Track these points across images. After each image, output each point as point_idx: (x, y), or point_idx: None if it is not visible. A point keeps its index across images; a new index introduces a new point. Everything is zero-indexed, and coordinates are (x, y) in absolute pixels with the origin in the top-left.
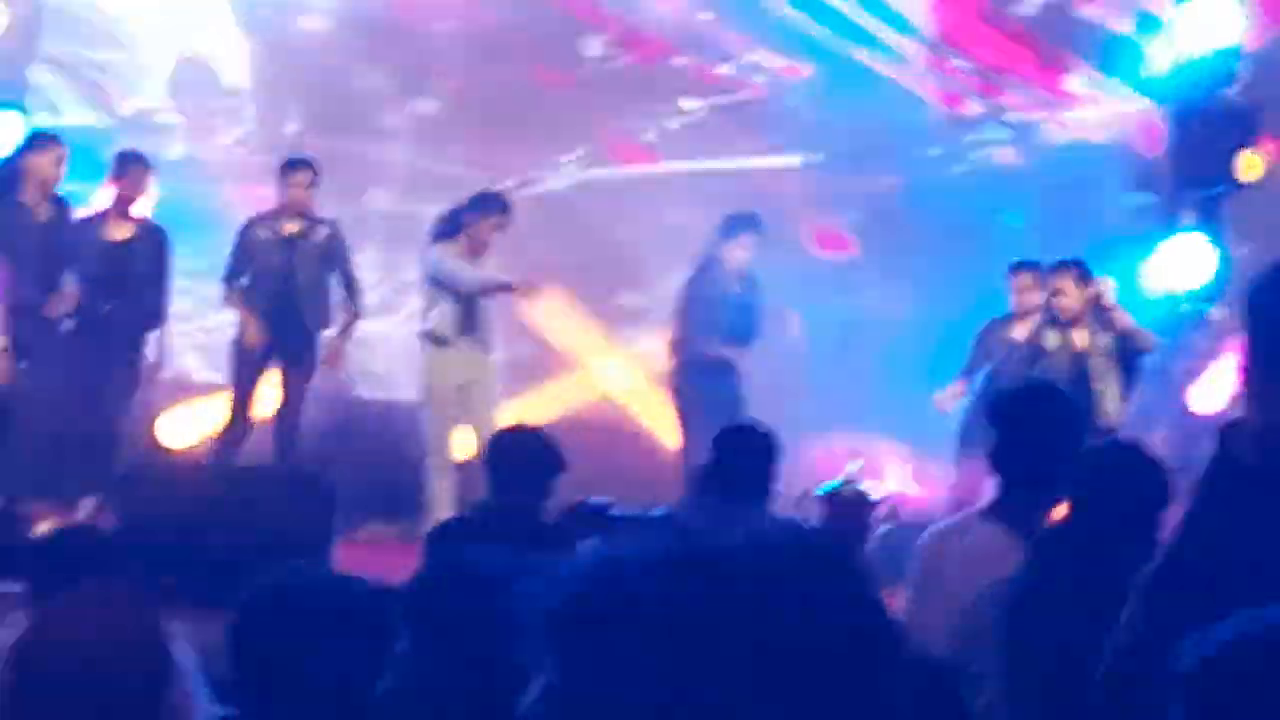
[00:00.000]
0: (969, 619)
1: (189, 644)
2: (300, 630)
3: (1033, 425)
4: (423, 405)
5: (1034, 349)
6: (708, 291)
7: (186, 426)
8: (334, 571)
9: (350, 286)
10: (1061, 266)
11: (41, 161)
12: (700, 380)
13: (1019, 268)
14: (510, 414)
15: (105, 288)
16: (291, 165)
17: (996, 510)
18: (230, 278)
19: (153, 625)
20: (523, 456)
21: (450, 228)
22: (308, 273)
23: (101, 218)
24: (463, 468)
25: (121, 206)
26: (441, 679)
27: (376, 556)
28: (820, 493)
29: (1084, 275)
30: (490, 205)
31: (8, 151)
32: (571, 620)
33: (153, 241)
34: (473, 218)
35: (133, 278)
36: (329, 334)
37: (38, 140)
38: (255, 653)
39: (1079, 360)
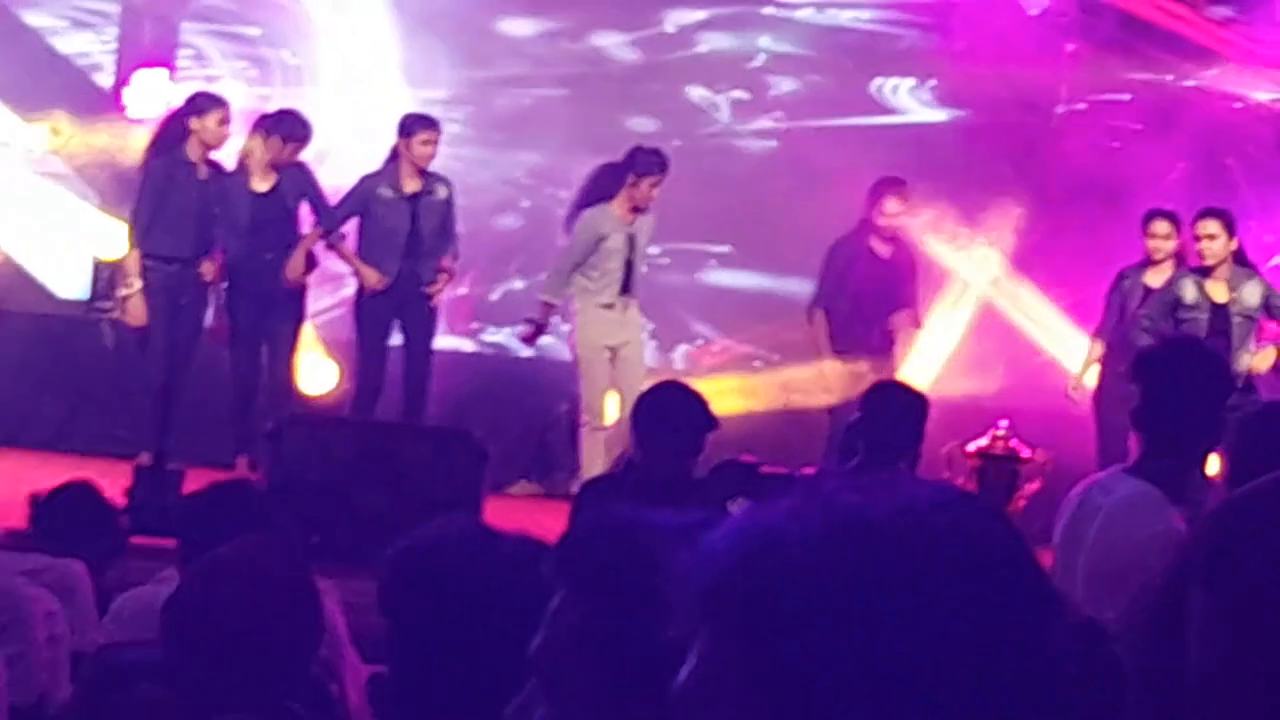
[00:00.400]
0: (1111, 576)
1: (337, 600)
2: (451, 585)
3: (1177, 382)
4: (577, 364)
5: (1172, 299)
6: (839, 262)
7: (324, 375)
8: (484, 526)
9: (454, 244)
10: (1211, 212)
11: (206, 122)
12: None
13: (1156, 215)
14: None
15: (260, 239)
16: (418, 123)
17: (1141, 468)
18: (335, 226)
19: (303, 581)
20: (673, 413)
21: (609, 186)
22: (429, 230)
23: (243, 170)
24: (612, 428)
25: (269, 161)
26: (596, 637)
27: (525, 514)
28: (969, 449)
29: (1231, 223)
30: (650, 164)
31: (156, 110)
32: (723, 598)
33: (297, 185)
34: (632, 177)
35: (283, 227)
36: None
37: (201, 100)
38: (405, 608)
39: (1219, 315)
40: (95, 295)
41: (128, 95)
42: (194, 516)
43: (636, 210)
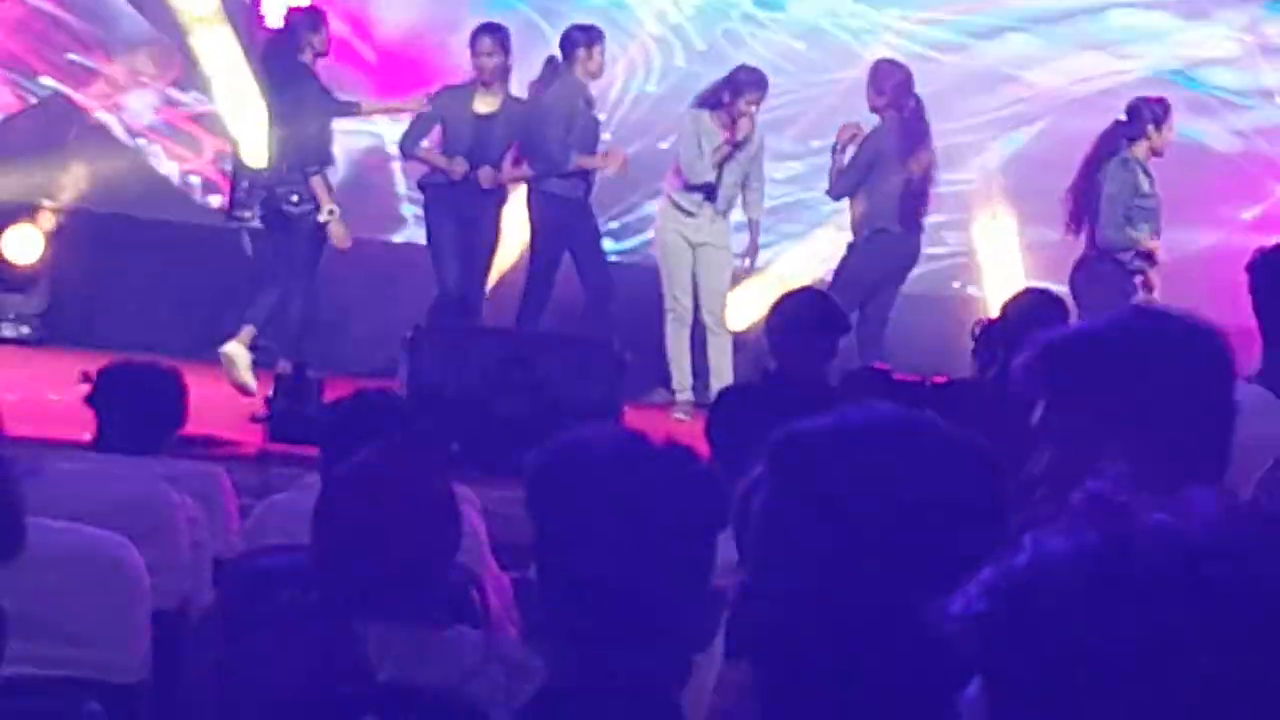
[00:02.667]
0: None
1: (477, 508)
2: (601, 489)
3: None
4: (660, 260)
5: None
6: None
7: None
8: (634, 432)
9: None
10: None
11: (321, 37)
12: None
13: None
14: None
15: (471, 161)
16: (596, 35)
17: (1263, 376)
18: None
19: (442, 488)
20: (807, 319)
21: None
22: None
23: (469, 89)
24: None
25: (487, 79)
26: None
27: (664, 422)
28: None
29: None
30: (743, 83)
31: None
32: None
33: (517, 115)
34: (727, 95)
35: (496, 152)
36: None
37: (311, 15)
38: (553, 511)
39: None
40: (234, 204)
41: (266, 4)
42: (336, 424)
43: (734, 124)
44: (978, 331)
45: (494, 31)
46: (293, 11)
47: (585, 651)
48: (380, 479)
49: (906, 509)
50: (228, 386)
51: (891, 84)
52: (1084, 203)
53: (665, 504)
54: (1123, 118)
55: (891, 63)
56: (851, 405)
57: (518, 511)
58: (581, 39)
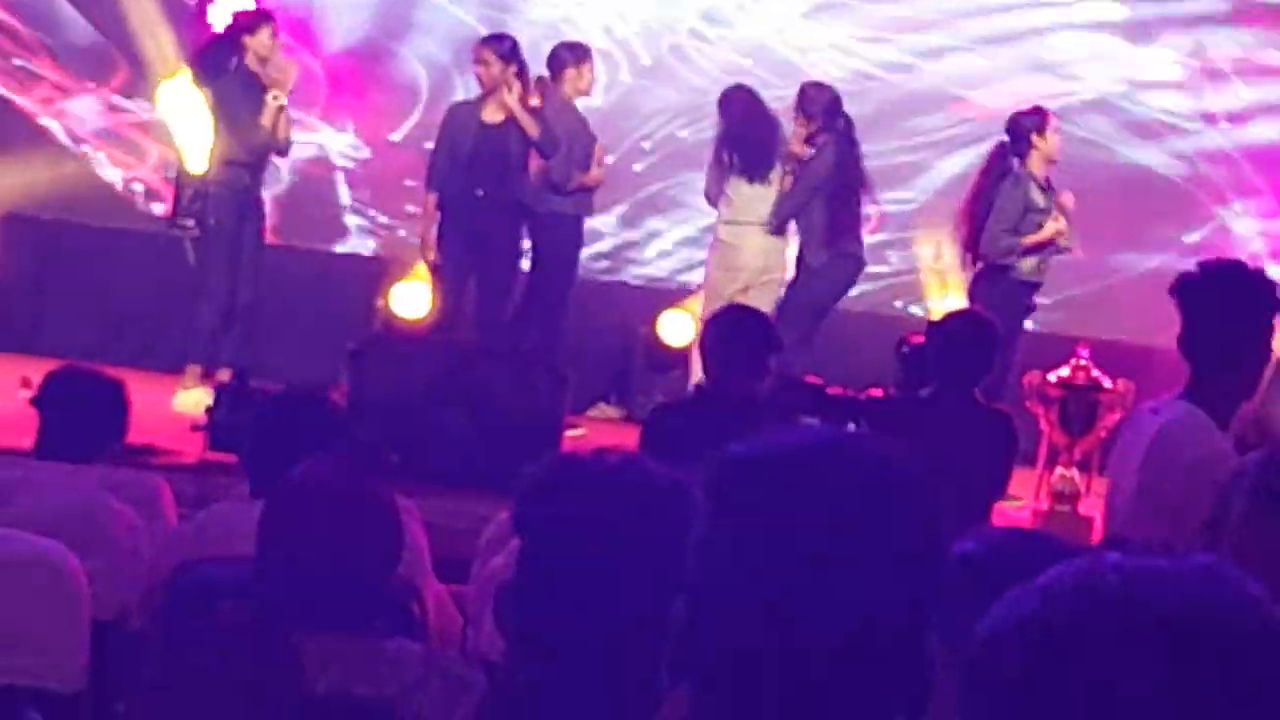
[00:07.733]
0: (1155, 496)
1: (418, 520)
2: (590, 511)
3: (1221, 307)
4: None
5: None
6: None
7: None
8: (629, 455)
9: None
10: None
11: (259, 39)
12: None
13: None
14: None
15: (476, 174)
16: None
17: (1191, 393)
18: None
19: (384, 500)
20: (738, 337)
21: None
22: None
23: (478, 102)
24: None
25: (487, 89)
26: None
27: (604, 437)
28: (1051, 379)
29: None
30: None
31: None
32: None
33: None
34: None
35: (502, 164)
36: None
37: (250, 18)
38: (539, 530)
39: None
40: (177, 211)
41: (212, 11)
42: (270, 432)
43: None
44: (905, 350)
45: (488, 42)
46: (236, 16)
47: (561, 660)
48: (324, 490)
49: (842, 528)
50: (168, 395)
51: (819, 107)
52: (976, 225)
53: (654, 529)
54: (1004, 138)
55: (817, 85)
56: (781, 425)
57: (456, 524)
58: (570, 58)
